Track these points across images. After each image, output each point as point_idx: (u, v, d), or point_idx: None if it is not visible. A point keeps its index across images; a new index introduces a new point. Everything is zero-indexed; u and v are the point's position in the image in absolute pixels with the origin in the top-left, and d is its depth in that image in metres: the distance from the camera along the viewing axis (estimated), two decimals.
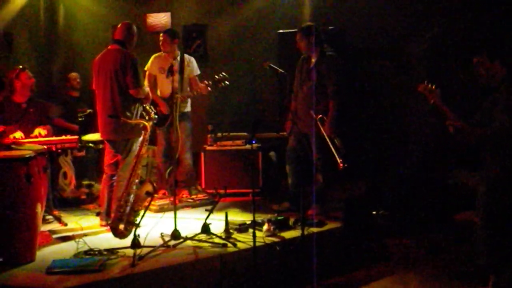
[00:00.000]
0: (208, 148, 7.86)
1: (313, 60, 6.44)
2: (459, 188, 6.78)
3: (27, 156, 5.00)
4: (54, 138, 6.23)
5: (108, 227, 5.78)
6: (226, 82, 7.08)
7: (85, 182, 7.63)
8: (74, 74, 8.38)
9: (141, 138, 5.90)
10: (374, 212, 7.00)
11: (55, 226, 6.25)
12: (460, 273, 5.56)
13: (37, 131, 6.24)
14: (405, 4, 7.93)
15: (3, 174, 4.86)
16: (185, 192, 7.43)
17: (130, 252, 5.02)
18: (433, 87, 4.99)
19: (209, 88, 7.15)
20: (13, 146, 5.58)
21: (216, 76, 7.09)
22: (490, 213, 4.80)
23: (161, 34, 7.37)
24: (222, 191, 6.22)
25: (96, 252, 5.11)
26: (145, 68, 7.36)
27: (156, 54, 7.47)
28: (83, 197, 7.55)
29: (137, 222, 5.32)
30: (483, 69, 4.92)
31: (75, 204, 7.37)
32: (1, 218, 4.87)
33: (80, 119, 7.81)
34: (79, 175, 7.57)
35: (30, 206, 4.95)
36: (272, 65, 6.35)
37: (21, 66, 6.46)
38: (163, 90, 7.38)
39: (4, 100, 6.40)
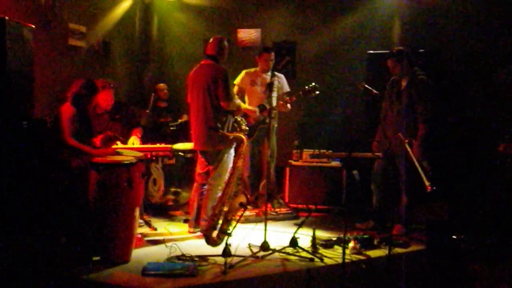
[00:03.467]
0: (294, 163, 7.99)
1: (404, 83, 6.46)
2: None
3: (129, 161, 5.27)
4: (149, 145, 6.46)
5: (196, 234, 6.05)
6: (316, 92, 7.22)
7: (173, 189, 7.86)
8: (161, 85, 8.51)
9: (232, 150, 6.12)
10: (455, 236, 6.94)
11: (145, 230, 6.50)
12: None
13: (133, 139, 6.46)
14: (498, 28, 7.82)
15: (107, 178, 5.13)
16: (268, 205, 7.53)
17: (220, 260, 5.18)
18: None
19: (285, 108, 7.39)
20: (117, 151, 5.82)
21: (306, 87, 7.24)
22: None
23: (272, 54, 7.56)
24: (312, 207, 6.32)
25: (188, 258, 5.29)
26: (235, 82, 7.54)
27: (247, 70, 7.67)
28: (170, 203, 7.80)
29: (229, 231, 5.49)
30: None
31: (161, 210, 7.60)
32: (103, 219, 5.15)
33: (171, 128, 8.03)
34: (167, 182, 7.80)
35: (129, 209, 5.21)
36: (367, 86, 6.39)
37: (105, 84, 6.48)
38: (251, 102, 7.57)
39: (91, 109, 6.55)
